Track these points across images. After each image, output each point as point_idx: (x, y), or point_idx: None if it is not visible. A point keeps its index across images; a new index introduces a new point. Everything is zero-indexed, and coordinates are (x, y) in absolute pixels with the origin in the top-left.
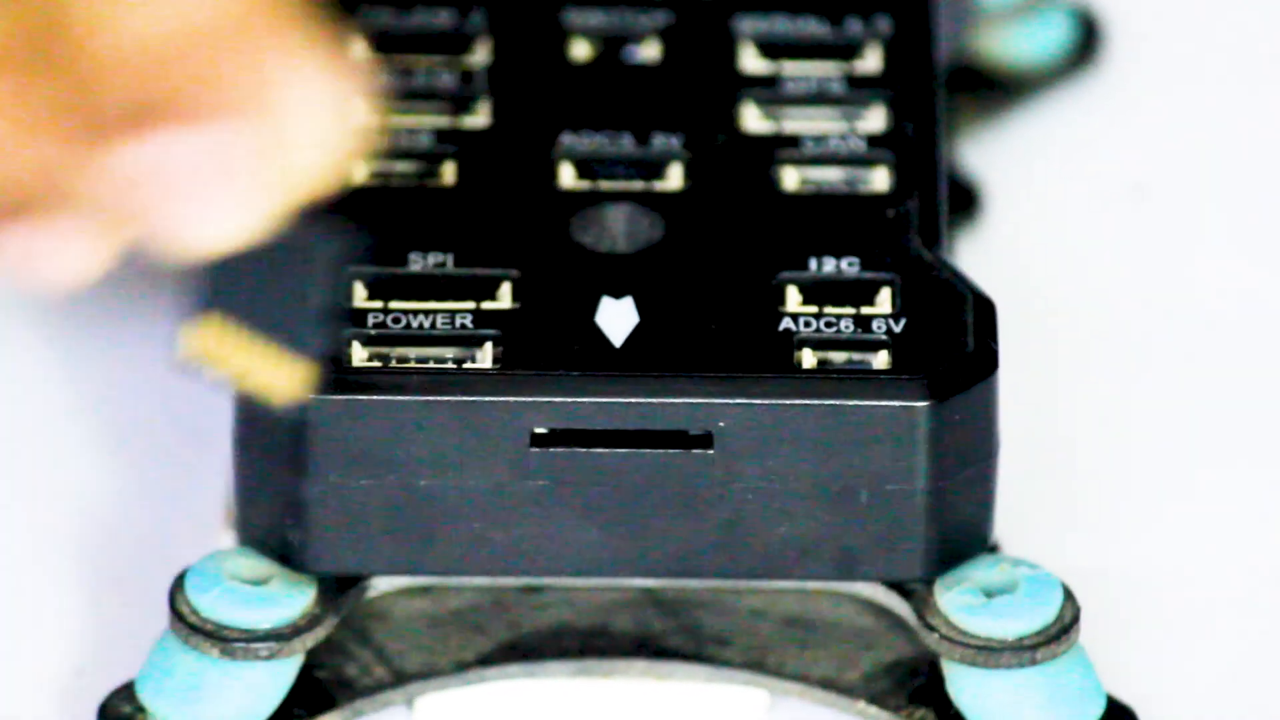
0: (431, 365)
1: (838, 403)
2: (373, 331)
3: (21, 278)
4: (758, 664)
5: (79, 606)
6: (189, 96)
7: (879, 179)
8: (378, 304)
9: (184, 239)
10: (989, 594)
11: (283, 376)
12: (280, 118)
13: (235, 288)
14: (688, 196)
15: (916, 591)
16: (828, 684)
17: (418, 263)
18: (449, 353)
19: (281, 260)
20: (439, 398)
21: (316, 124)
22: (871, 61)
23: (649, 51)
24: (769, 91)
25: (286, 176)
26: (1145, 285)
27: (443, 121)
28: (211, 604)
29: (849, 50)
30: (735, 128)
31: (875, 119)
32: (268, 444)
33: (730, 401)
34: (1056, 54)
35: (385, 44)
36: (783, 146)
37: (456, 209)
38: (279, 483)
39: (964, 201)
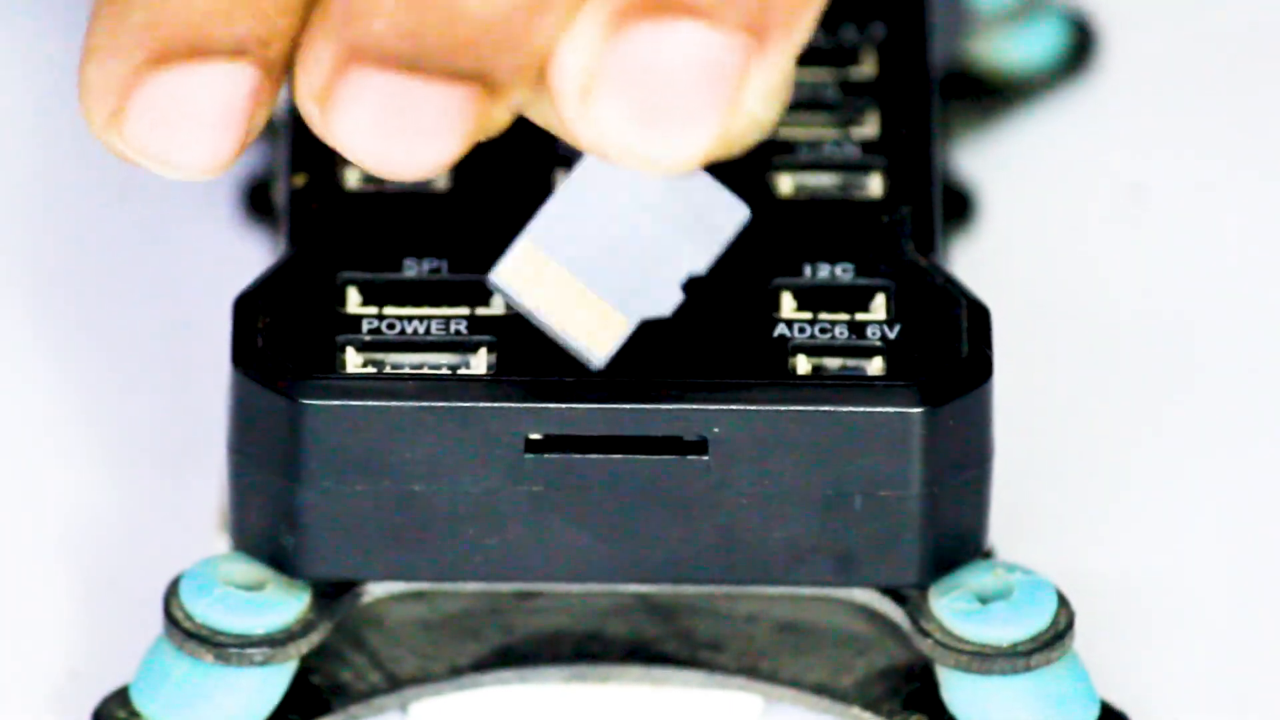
0: (426, 371)
1: (832, 409)
2: (367, 337)
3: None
4: (752, 670)
5: (73, 611)
6: None
7: (873, 185)
8: (372, 310)
9: (651, 144)
10: (983, 600)
11: (593, 326)
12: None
13: (564, 225)
14: None
15: (911, 597)
16: (822, 690)
17: (412, 268)
18: (443, 359)
19: (619, 210)
20: (433, 403)
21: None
22: (866, 67)
23: None
24: None
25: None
26: (1140, 290)
27: None
28: (206, 609)
29: (844, 56)
30: None
31: (869, 125)
32: (262, 449)
33: (725, 408)
34: (1051, 59)
35: None
36: (777, 152)
37: (451, 214)
38: (273, 488)
39: (958, 207)
